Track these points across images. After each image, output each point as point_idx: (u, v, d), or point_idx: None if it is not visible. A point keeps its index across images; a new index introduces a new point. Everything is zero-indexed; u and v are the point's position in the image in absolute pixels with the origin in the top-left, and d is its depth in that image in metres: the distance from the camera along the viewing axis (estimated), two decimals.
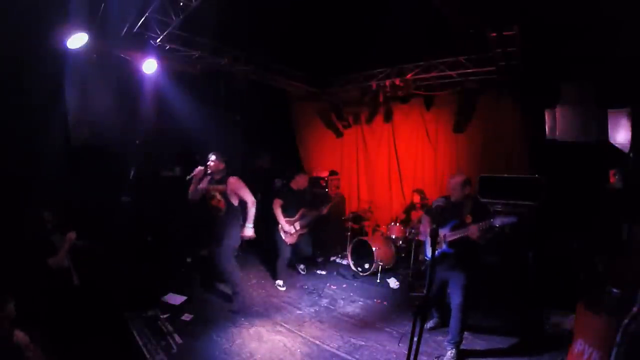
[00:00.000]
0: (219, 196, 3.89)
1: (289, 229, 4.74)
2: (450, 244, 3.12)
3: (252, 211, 3.90)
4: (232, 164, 6.52)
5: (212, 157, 3.92)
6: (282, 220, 4.73)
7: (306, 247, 5.04)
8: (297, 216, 4.79)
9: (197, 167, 3.90)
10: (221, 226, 3.91)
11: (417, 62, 5.12)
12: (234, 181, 3.89)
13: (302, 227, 4.86)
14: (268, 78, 5.66)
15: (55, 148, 4.02)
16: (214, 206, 3.92)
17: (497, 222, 2.86)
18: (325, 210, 5.03)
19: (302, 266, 5.36)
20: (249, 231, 3.91)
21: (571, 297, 2.84)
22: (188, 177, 3.90)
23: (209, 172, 3.90)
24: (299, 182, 4.91)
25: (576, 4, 3.24)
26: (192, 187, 3.92)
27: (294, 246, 4.93)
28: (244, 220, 3.94)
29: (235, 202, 3.92)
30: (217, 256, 3.88)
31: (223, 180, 3.90)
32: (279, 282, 4.84)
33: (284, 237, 4.76)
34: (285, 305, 4.32)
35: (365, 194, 6.87)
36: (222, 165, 3.93)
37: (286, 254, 4.85)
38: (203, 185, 3.94)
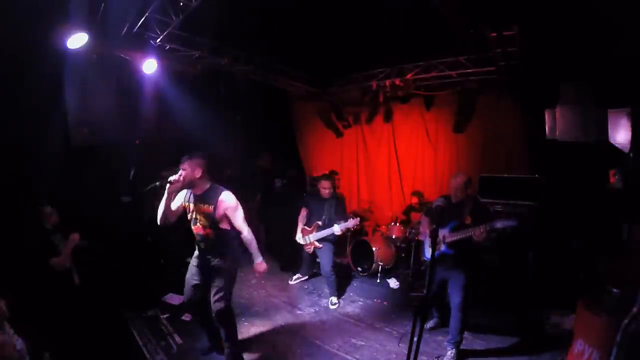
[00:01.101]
0: (203, 220, 2.74)
1: (300, 238, 4.43)
2: (450, 245, 3.12)
3: (254, 244, 2.87)
4: (232, 164, 6.57)
5: (186, 158, 2.67)
6: (299, 228, 4.46)
7: (324, 264, 4.34)
8: (312, 228, 4.41)
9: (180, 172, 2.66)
10: (213, 270, 2.81)
11: (417, 62, 5.12)
12: (226, 201, 2.72)
13: (317, 240, 4.38)
14: (268, 78, 5.66)
15: (55, 148, 4.01)
16: (198, 234, 2.81)
17: (499, 224, 2.86)
18: (339, 232, 4.17)
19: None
20: (261, 266, 2.93)
21: (571, 297, 2.84)
22: (151, 186, 2.60)
23: (180, 184, 2.67)
24: (321, 191, 4.42)
25: (576, 4, 3.24)
26: (163, 205, 2.66)
27: (314, 257, 4.64)
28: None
29: (228, 227, 2.81)
30: (212, 305, 2.85)
31: (210, 198, 2.72)
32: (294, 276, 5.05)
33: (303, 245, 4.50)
34: (285, 305, 4.32)
35: (365, 194, 6.87)
36: (198, 172, 2.67)
37: (305, 261, 4.87)
38: (178, 202, 2.84)
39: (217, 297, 2.81)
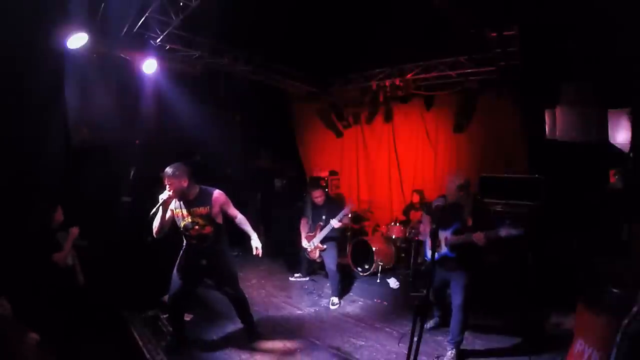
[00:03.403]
0: (201, 221, 2.93)
1: (305, 245, 4.59)
2: (452, 247, 3.10)
3: (248, 225, 3.14)
4: (232, 164, 6.57)
5: (168, 173, 2.76)
6: (302, 236, 4.63)
7: (329, 263, 4.43)
8: (314, 232, 4.54)
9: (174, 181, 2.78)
10: (213, 256, 3.06)
11: (417, 62, 5.13)
12: (220, 197, 2.99)
13: (320, 242, 4.50)
14: (268, 78, 5.66)
15: (55, 148, 4.01)
16: (195, 236, 2.96)
17: (503, 232, 2.83)
18: (338, 224, 4.33)
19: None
20: (257, 242, 3.13)
21: (571, 297, 2.83)
22: (153, 212, 2.76)
23: (172, 198, 2.84)
24: (316, 199, 4.55)
25: (576, 4, 3.24)
26: (160, 221, 2.82)
27: (320, 261, 4.67)
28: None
29: (221, 220, 3.06)
30: (228, 291, 3.29)
31: (204, 200, 2.92)
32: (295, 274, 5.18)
33: (307, 252, 4.62)
34: (285, 305, 4.32)
35: (365, 194, 6.87)
36: (185, 181, 2.80)
37: (303, 262, 4.99)
38: (170, 213, 2.96)
39: (230, 285, 3.24)
